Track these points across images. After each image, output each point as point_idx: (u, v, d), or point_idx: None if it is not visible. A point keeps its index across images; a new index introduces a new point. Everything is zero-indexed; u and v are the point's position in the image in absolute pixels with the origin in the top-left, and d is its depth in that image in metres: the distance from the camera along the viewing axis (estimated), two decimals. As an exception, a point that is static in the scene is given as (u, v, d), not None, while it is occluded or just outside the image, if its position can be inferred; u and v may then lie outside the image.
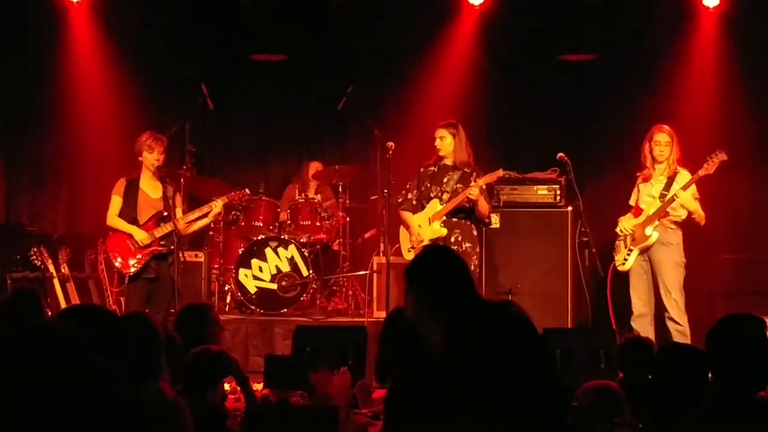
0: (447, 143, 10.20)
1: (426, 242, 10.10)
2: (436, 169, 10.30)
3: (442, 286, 4.64)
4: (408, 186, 10.46)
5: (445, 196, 10.14)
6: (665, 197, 10.06)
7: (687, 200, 9.94)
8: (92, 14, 12.80)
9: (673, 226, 10.17)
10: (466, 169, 10.19)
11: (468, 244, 10.10)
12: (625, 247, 10.23)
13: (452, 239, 10.07)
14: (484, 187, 10.08)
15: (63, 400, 2.22)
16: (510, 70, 13.06)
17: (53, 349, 2.28)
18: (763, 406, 4.22)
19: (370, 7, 13.07)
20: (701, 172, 9.92)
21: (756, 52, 12.24)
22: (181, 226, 10.13)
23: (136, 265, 10.03)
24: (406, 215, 10.36)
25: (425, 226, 10.16)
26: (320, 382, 6.93)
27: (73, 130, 13.09)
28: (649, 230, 10.08)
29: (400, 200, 10.52)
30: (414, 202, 10.31)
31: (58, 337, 2.32)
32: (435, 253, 5.07)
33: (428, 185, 10.26)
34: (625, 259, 10.20)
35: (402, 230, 10.57)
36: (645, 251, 10.16)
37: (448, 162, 10.25)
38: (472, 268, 10.02)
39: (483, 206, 10.13)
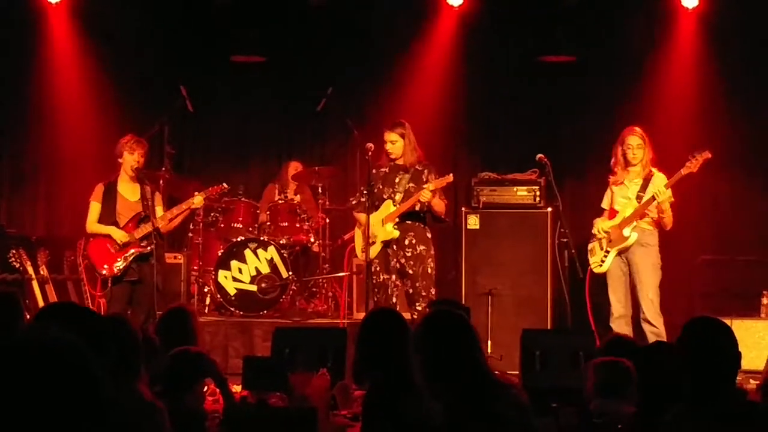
0: (398, 146, 10.18)
1: (379, 244, 10.11)
2: (387, 170, 10.29)
3: (451, 359, 4.58)
4: (361, 188, 10.46)
5: (398, 197, 10.12)
6: (642, 198, 10.06)
7: (665, 201, 9.93)
8: (71, 16, 12.77)
9: (650, 227, 10.17)
10: (417, 167, 10.20)
11: (422, 247, 10.11)
12: (602, 249, 10.23)
13: (406, 242, 10.07)
14: (432, 188, 10.03)
15: (66, 412, 2.21)
16: (489, 71, 13.07)
17: (63, 359, 2.27)
18: (739, 403, 4.27)
19: (350, 9, 13.08)
20: (684, 171, 9.91)
21: (735, 52, 12.29)
22: (161, 224, 10.11)
23: (119, 267, 10.01)
24: (360, 216, 10.33)
25: (378, 227, 10.14)
26: (299, 383, 6.92)
27: (51, 132, 13.06)
28: (627, 231, 10.08)
29: (354, 203, 10.53)
30: (367, 205, 10.26)
31: (67, 348, 2.30)
32: (445, 320, 4.93)
33: (380, 187, 10.24)
34: (602, 261, 10.20)
35: (356, 232, 10.56)
36: (623, 252, 10.16)
37: (399, 162, 10.24)
38: (429, 270, 10.08)
39: (438, 206, 10.11)
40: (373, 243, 10.13)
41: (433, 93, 12.91)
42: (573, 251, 10.35)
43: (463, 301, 10.85)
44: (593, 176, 12.18)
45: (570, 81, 12.89)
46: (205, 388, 7.07)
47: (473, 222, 11.19)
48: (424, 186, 9.97)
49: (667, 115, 11.83)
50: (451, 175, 10.23)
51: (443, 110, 12.79)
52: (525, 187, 11.32)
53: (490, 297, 10.85)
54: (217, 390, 6.78)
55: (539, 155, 10.53)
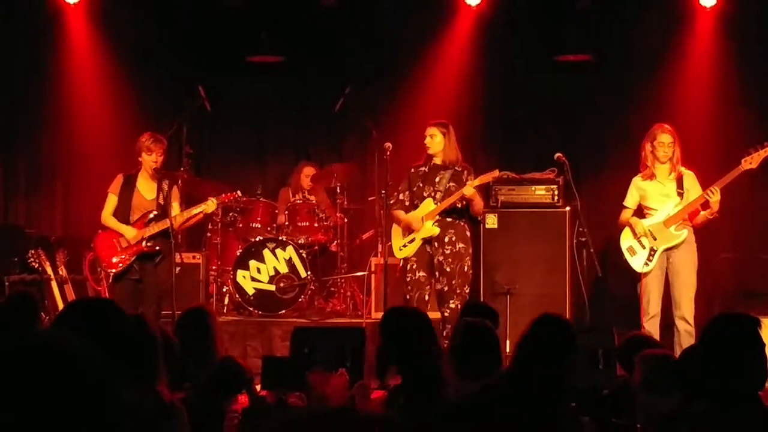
0: (437, 141, 10.17)
1: (419, 241, 10.09)
2: (426, 170, 10.27)
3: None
4: (399, 188, 10.42)
5: (439, 195, 10.11)
6: (683, 195, 9.98)
7: (717, 201, 9.82)
8: (89, 16, 12.82)
9: (690, 225, 10.10)
10: (457, 168, 10.18)
11: (461, 245, 10.09)
12: (644, 248, 10.11)
13: (446, 239, 10.05)
14: (477, 184, 10.03)
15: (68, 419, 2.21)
16: (507, 70, 13.06)
17: (66, 367, 2.26)
18: (760, 405, 4.20)
19: (367, 8, 13.07)
20: (744, 167, 9.73)
21: (753, 51, 12.25)
22: (174, 224, 10.08)
23: (119, 264, 9.97)
24: (399, 212, 10.32)
25: (419, 224, 10.13)
26: (318, 383, 6.92)
27: (70, 132, 13.11)
28: (674, 229, 9.99)
29: (392, 201, 10.47)
30: (407, 203, 10.28)
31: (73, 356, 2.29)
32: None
33: (420, 185, 10.22)
34: (649, 261, 10.08)
35: (393, 229, 10.52)
36: (668, 251, 10.06)
37: (438, 161, 10.22)
38: (466, 269, 10.05)
39: (478, 204, 10.14)
40: (413, 240, 10.13)
41: (450, 92, 12.91)
42: (591, 250, 10.31)
43: (482, 301, 10.85)
44: (611, 175, 12.15)
45: (586, 80, 12.88)
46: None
47: (492, 221, 11.16)
48: (468, 182, 9.97)
49: (683, 113, 11.78)
50: (497, 170, 10.23)
51: (461, 110, 12.76)
52: (543, 187, 11.28)
53: (508, 296, 10.82)
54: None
55: (557, 154, 10.51)
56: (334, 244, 12.28)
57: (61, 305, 10.63)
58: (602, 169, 12.73)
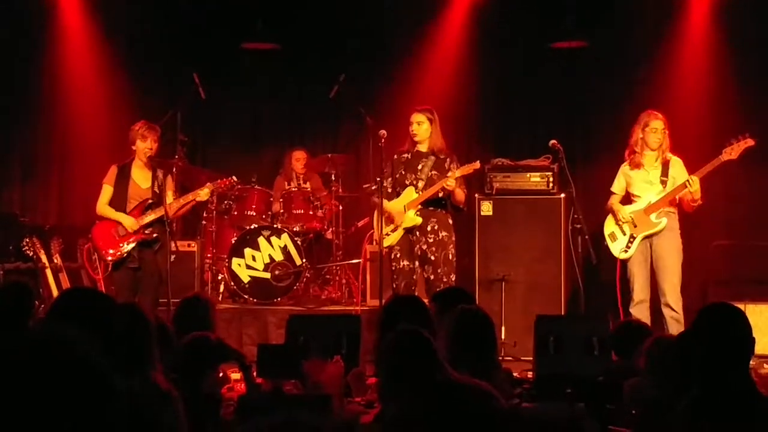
0: (424, 128, 10.13)
1: (401, 230, 10.09)
2: (409, 156, 10.24)
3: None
4: (384, 173, 10.40)
5: (420, 184, 10.08)
6: (666, 183, 9.98)
7: (697, 190, 9.82)
8: (83, 3, 12.80)
9: (673, 211, 10.10)
10: (440, 155, 10.16)
11: (444, 233, 10.07)
12: (625, 234, 10.13)
13: (429, 228, 10.03)
14: (458, 175, 10.00)
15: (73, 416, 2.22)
16: (502, 57, 13.06)
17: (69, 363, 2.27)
18: (750, 393, 4.22)
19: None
20: (724, 157, 9.74)
21: (747, 37, 12.25)
22: (170, 211, 10.08)
23: (117, 253, 9.98)
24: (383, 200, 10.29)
25: (401, 213, 10.11)
26: (313, 370, 6.93)
27: (64, 120, 13.10)
28: (654, 217, 9.99)
29: (374, 188, 10.46)
30: (389, 190, 10.25)
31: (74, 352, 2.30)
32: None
33: (402, 172, 10.20)
34: (628, 247, 10.10)
35: (375, 219, 10.48)
36: (648, 238, 10.07)
37: (422, 148, 10.19)
38: (450, 257, 10.04)
39: (459, 195, 10.09)
40: (395, 230, 10.12)
41: (445, 79, 12.91)
42: (587, 237, 10.30)
43: (477, 288, 10.89)
44: (606, 162, 12.14)
45: (582, 67, 12.88)
46: (221, 374, 7.12)
47: (486, 208, 11.16)
48: (448, 174, 9.95)
49: (678, 100, 11.80)
50: (478, 162, 10.21)
51: (456, 97, 12.77)
52: (538, 173, 11.27)
53: (503, 283, 10.83)
54: (232, 378, 6.82)
55: (552, 141, 10.48)
56: (329, 231, 12.29)
57: (55, 293, 10.64)
58: (597, 155, 12.71)
